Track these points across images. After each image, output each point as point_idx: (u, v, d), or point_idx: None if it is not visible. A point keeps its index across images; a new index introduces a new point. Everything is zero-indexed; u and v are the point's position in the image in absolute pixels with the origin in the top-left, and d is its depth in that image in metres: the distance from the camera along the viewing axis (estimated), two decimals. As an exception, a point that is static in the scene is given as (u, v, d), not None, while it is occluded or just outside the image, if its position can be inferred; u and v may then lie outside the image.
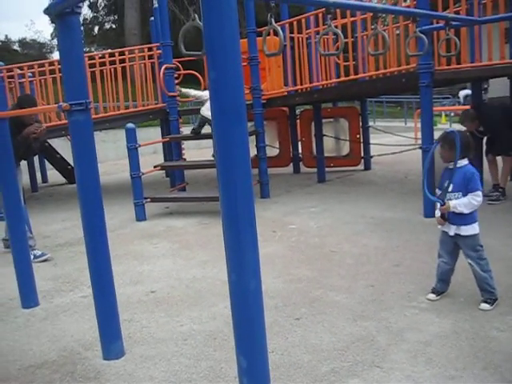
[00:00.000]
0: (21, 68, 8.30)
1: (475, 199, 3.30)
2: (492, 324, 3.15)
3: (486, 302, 3.39)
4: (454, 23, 5.33)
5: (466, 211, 3.32)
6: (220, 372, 2.80)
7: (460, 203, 3.31)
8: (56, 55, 29.10)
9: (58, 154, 10.76)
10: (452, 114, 19.29)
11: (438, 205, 3.46)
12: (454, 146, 3.20)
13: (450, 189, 3.36)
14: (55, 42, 29.00)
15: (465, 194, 3.33)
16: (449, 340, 2.99)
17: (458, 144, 3.13)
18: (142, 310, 3.73)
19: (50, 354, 3.14)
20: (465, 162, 3.38)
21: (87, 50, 27.99)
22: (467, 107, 7.51)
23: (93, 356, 3.08)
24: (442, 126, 16.99)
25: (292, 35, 8.35)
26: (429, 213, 5.73)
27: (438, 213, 3.50)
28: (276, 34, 2.91)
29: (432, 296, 3.59)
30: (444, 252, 3.56)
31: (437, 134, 6.06)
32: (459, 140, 3.16)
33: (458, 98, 22.50)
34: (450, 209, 3.34)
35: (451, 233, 3.44)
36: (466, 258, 3.47)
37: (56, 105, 2.94)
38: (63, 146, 10.58)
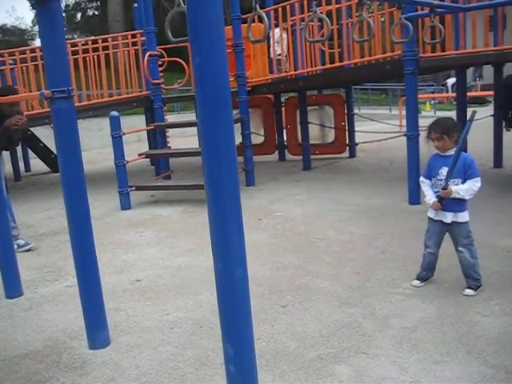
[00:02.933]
0: (1, 55, 8.17)
1: (475, 185, 3.31)
2: (476, 309, 3.18)
3: (470, 287, 3.43)
4: (438, 10, 5.34)
5: (467, 197, 3.32)
6: (206, 360, 2.80)
7: (462, 188, 3.30)
8: (38, 42, 28.68)
9: (42, 142, 10.64)
10: (436, 102, 19.37)
11: (430, 191, 3.47)
12: (454, 133, 3.30)
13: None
14: (37, 28, 28.55)
15: (463, 181, 3.33)
16: (434, 325, 3.02)
17: (467, 129, 3.17)
18: (127, 299, 3.71)
19: (34, 344, 3.12)
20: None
21: (70, 37, 27.63)
22: (454, 95, 7.57)
23: (78, 345, 3.06)
24: (427, 114, 17.06)
25: (277, 22, 8.30)
26: (413, 200, 5.78)
27: (430, 198, 3.46)
28: (261, 20, 2.89)
29: (417, 282, 3.61)
30: (432, 243, 3.55)
31: (421, 122, 6.11)
32: (455, 124, 3.26)
33: (443, 85, 22.63)
34: (452, 193, 3.30)
35: (448, 220, 3.42)
36: (456, 245, 3.47)
37: (38, 92, 2.90)
38: (46, 135, 10.46)
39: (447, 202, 3.39)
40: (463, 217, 3.40)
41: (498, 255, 4.04)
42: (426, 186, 3.54)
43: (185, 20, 1.82)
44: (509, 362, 2.59)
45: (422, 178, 3.57)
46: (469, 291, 3.41)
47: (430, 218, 3.54)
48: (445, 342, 2.84)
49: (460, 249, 3.45)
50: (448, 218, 3.42)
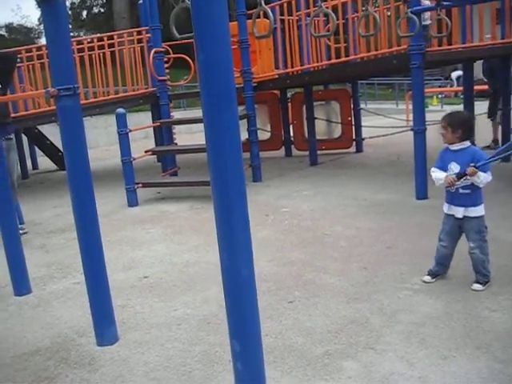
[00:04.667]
0: (8, 53, 8.18)
1: (488, 177, 3.29)
2: (484, 304, 3.17)
3: (478, 282, 3.42)
4: (445, 3, 5.31)
5: (481, 185, 3.29)
6: (214, 356, 2.81)
7: (483, 175, 3.25)
8: (44, 40, 28.75)
9: (48, 140, 10.67)
10: (443, 96, 19.27)
11: (439, 172, 3.42)
12: (458, 129, 3.29)
13: (456, 170, 3.33)
14: (42, 26, 28.64)
15: None
16: (441, 321, 3.01)
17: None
18: (135, 296, 3.72)
19: (43, 341, 3.13)
20: (468, 143, 3.38)
21: (75, 34, 27.70)
22: (460, 89, 7.62)
23: (87, 342, 3.08)
24: (434, 108, 16.97)
25: (282, 17, 8.27)
26: (421, 195, 5.75)
27: (441, 176, 3.39)
28: (266, 16, 2.88)
29: (428, 278, 3.59)
30: (446, 236, 3.53)
31: (428, 116, 6.08)
32: (465, 122, 3.26)
33: (450, 79, 22.51)
34: (477, 174, 3.22)
35: (459, 215, 3.40)
36: (468, 240, 3.44)
37: (44, 90, 2.90)
38: (53, 133, 10.48)
39: (458, 197, 3.37)
40: (476, 211, 3.37)
41: (506, 250, 4.01)
42: (437, 172, 3.47)
43: (190, 16, 1.82)
44: (517, 357, 2.58)
45: (433, 169, 3.51)
46: (477, 286, 3.40)
47: (444, 212, 3.53)
48: (453, 337, 2.82)
49: (471, 244, 3.42)
50: (459, 212, 3.40)
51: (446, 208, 3.50)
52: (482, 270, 3.42)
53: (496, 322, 2.95)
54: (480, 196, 3.38)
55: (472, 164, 3.24)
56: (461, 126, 3.35)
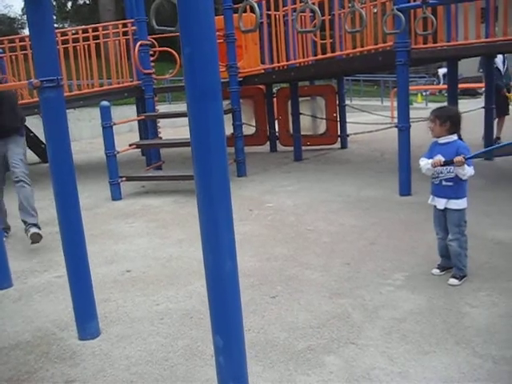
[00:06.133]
0: (-9, 44, 8.08)
1: (472, 172, 3.37)
2: (465, 300, 3.20)
3: (454, 277, 3.48)
4: (430, 1, 5.34)
5: (464, 177, 3.36)
6: (196, 350, 2.80)
7: (467, 167, 3.33)
8: (27, 31, 28.37)
9: (32, 132, 10.54)
10: (428, 93, 19.41)
11: (426, 160, 3.49)
12: (446, 122, 3.38)
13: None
14: (26, 17, 28.24)
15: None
16: (423, 316, 3.04)
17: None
18: (117, 290, 3.71)
19: (24, 335, 3.11)
20: (454, 137, 3.46)
21: (60, 26, 27.38)
22: (444, 87, 7.66)
23: (68, 336, 3.06)
24: (418, 105, 17.09)
25: (269, 12, 8.26)
26: (404, 191, 5.79)
27: (427, 162, 3.48)
28: (253, 10, 2.87)
29: (436, 271, 3.64)
30: (438, 228, 3.61)
31: (413, 113, 6.12)
32: (453, 116, 3.35)
33: (434, 74, 22.67)
34: (463, 164, 3.29)
35: (441, 206, 3.49)
36: (448, 232, 3.52)
37: (26, 81, 2.87)
38: (37, 125, 10.36)
39: (441, 189, 3.45)
40: (457, 204, 3.44)
41: (487, 247, 4.06)
42: (424, 160, 3.53)
43: (174, 9, 1.80)
44: (496, 352, 2.62)
45: (421, 158, 3.58)
46: (453, 280, 3.46)
47: (429, 203, 3.62)
48: (434, 332, 2.85)
49: (449, 236, 3.49)
50: (441, 203, 3.49)
51: (430, 199, 3.59)
52: (457, 264, 3.49)
53: (476, 318, 2.98)
54: (463, 190, 3.45)
55: (463, 155, 3.32)
56: (448, 119, 3.44)
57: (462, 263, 3.49)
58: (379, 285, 3.52)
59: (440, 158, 3.40)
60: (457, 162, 3.30)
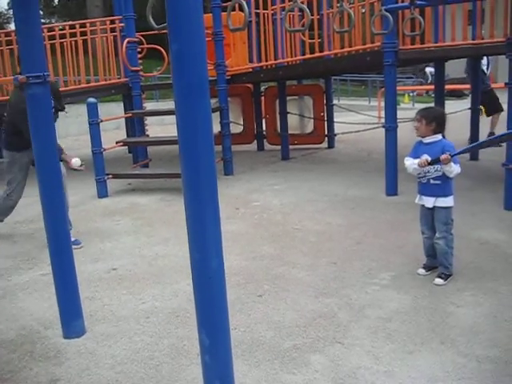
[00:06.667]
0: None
1: (458, 169, 3.42)
2: (450, 300, 3.23)
3: (440, 277, 3.51)
4: (418, 2, 5.36)
5: (451, 175, 3.41)
6: (182, 349, 2.80)
7: (454, 166, 3.38)
8: (13, 26, 28.06)
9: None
10: (414, 94, 19.50)
11: (412, 159, 3.54)
12: (432, 122, 3.44)
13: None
14: (12, 12, 27.92)
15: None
16: (408, 316, 3.05)
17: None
18: (103, 288, 3.68)
19: (8, 334, 3.07)
20: (439, 136, 3.51)
21: (47, 21, 27.11)
22: (431, 87, 7.73)
23: (53, 335, 3.03)
24: (405, 106, 17.16)
25: (257, 11, 8.25)
26: (391, 191, 5.82)
27: (413, 162, 3.51)
28: (241, 9, 2.86)
29: (422, 271, 3.67)
30: (425, 228, 3.64)
31: (400, 114, 6.15)
32: (439, 116, 3.45)
33: (424, 73, 22.80)
34: (450, 161, 3.34)
35: (429, 205, 3.53)
36: (435, 230, 3.56)
37: (12, 77, 2.84)
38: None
39: (430, 187, 3.50)
40: (445, 202, 3.50)
41: (472, 246, 4.09)
42: (410, 160, 3.57)
43: (164, 6, 1.79)
44: (480, 352, 2.64)
45: (406, 157, 3.62)
46: (438, 280, 3.49)
47: (416, 202, 3.66)
48: (419, 332, 2.87)
49: (437, 235, 3.53)
50: (430, 202, 3.53)
51: (417, 199, 3.63)
52: (444, 262, 3.52)
53: (461, 318, 3.00)
54: (450, 188, 3.51)
55: (448, 152, 3.36)
56: (434, 119, 3.49)
57: (448, 261, 3.52)
58: (365, 284, 3.53)
59: (426, 157, 3.42)
60: (443, 160, 3.33)
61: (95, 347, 2.87)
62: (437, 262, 3.63)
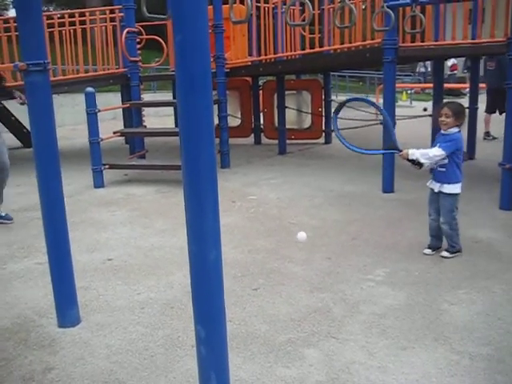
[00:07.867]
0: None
1: (433, 152, 3.65)
2: (444, 297, 3.24)
3: (447, 250, 3.81)
4: (420, 0, 5.36)
5: (422, 160, 3.62)
6: (177, 341, 2.80)
7: (416, 152, 3.63)
8: (11, 12, 27.84)
9: (13, 116, 10.40)
10: (412, 92, 19.52)
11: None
12: (460, 116, 3.69)
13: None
14: (11, -1, 27.70)
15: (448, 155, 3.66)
16: (402, 312, 3.07)
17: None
18: (98, 278, 3.68)
19: (2, 322, 3.07)
20: (457, 129, 3.72)
21: (45, 9, 26.88)
22: (430, 85, 7.75)
23: (48, 323, 3.03)
24: (403, 103, 17.19)
25: (258, 4, 8.23)
26: (387, 188, 5.83)
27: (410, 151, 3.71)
28: (242, 1, 2.85)
29: (428, 251, 3.92)
30: (432, 210, 3.89)
31: (397, 111, 6.15)
32: (464, 111, 3.77)
33: (424, 67, 22.82)
34: (409, 156, 3.63)
35: (436, 189, 3.78)
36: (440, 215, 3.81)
37: (12, 64, 2.82)
38: (18, 108, 10.21)
39: (435, 173, 3.78)
40: (448, 188, 3.73)
41: (466, 245, 4.09)
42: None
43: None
44: (473, 349, 2.66)
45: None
46: (444, 253, 3.83)
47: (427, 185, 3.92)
48: (413, 328, 2.89)
49: (441, 219, 3.79)
50: (436, 187, 3.80)
51: (428, 182, 3.88)
52: (450, 242, 3.82)
53: (454, 315, 3.02)
54: (455, 175, 3.73)
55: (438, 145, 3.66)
56: (462, 114, 3.76)
57: (454, 241, 3.81)
58: (360, 280, 3.55)
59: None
60: (402, 157, 3.65)
61: (90, 337, 2.87)
62: (440, 244, 3.90)
